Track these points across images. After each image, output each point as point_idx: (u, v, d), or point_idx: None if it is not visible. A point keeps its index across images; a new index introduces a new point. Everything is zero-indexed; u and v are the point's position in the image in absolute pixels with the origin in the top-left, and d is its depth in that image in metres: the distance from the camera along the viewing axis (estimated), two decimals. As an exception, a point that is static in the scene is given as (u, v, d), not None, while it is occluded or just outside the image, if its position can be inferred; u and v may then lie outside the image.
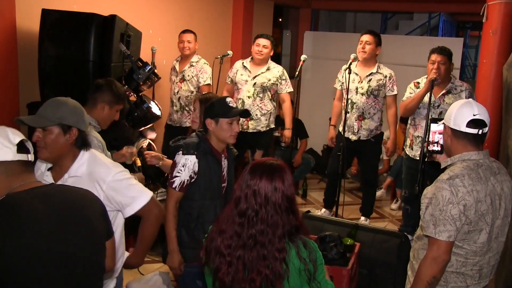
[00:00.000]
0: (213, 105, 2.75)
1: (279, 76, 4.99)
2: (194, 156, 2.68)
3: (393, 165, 6.32)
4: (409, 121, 4.61)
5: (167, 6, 5.56)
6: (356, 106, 4.87)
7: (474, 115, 2.19)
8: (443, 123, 2.34)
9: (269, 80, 4.94)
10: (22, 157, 1.70)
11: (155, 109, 3.95)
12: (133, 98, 3.82)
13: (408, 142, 4.58)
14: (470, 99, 2.31)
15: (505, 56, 4.17)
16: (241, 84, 4.98)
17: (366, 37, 4.83)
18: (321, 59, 7.56)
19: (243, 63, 5.06)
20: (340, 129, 5.01)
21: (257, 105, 4.95)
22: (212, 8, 6.35)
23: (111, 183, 2.23)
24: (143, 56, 4.06)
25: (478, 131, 2.20)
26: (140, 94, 3.92)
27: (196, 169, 2.69)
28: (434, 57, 4.19)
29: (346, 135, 4.92)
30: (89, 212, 1.80)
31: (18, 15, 3.73)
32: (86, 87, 3.19)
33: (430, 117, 4.00)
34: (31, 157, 1.74)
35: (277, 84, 4.98)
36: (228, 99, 2.78)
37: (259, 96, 4.94)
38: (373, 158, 5.18)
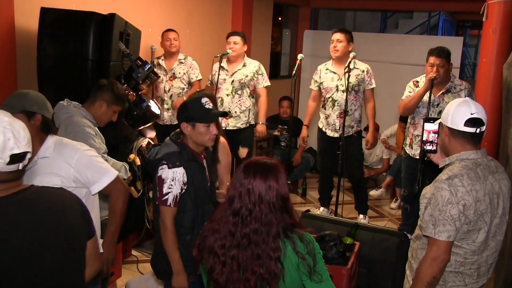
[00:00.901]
0: (187, 107, 2.61)
1: (256, 71, 5.08)
2: (181, 168, 2.54)
3: (393, 164, 6.32)
4: (408, 120, 4.61)
5: (166, 4, 5.55)
6: (338, 103, 4.91)
7: (471, 114, 2.18)
8: (440, 122, 2.33)
9: (246, 76, 5.04)
10: (11, 168, 1.63)
11: (154, 108, 3.95)
12: (132, 97, 3.81)
13: (407, 141, 4.58)
14: (467, 98, 2.30)
15: (505, 55, 4.17)
16: (220, 84, 5.04)
17: (337, 36, 4.87)
18: (321, 58, 7.48)
19: (220, 63, 5.09)
20: (320, 126, 5.09)
21: (236, 102, 5.04)
22: (212, 7, 6.34)
23: (80, 158, 2.33)
24: (142, 55, 4.05)
25: (476, 129, 2.19)
26: (140, 93, 3.92)
27: (185, 179, 2.56)
28: (432, 60, 4.18)
29: (328, 133, 5.03)
30: (69, 216, 1.75)
31: (17, 14, 3.72)
32: (85, 86, 3.20)
33: (429, 116, 4.00)
34: (22, 165, 1.68)
35: (254, 79, 5.07)
36: (204, 100, 2.61)
37: (237, 93, 5.02)
38: (357, 154, 5.21)
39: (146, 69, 3.75)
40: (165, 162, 2.55)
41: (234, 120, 5.05)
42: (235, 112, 5.02)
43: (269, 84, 5.19)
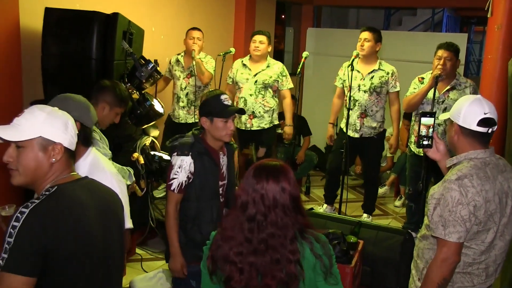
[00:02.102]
0: (207, 103, 2.71)
1: (280, 72, 5.00)
2: (189, 157, 2.66)
3: (397, 162, 6.31)
4: (413, 118, 4.59)
5: (169, 3, 5.55)
6: (359, 103, 4.85)
7: (485, 114, 2.14)
8: (449, 119, 2.30)
9: (270, 77, 4.95)
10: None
11: (157, 106, 3.96)
12: (135, 95, 3.82)
13: (412, 138, 4.56)
14: (479, 96, 2.24)
15: (510, 51, 4.15)
16: (242, 83, 4.98)
17: (364, 34, 4.79)
18: (324, 55, 7.53)
19: (242, 61, 5.06)
20: (342, 126, 5.00)
21: (260, 102, 4.95)
22: (214, 5, 6.34)
23: None
24: (145, 54, 4.05)
25: (488, 130, 2.16)
26: (143, 91, 3.92)
27: (192, 169, 2.67)
28: (440, 52, 4.16)
29: (348, 132, 4.90)
30: (117, 207, 1.94)
31: (22, 14, 3.73)
32: (89, 85, 3.20)
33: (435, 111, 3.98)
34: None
35: (278, 81, 4.99)
36: (223, 96, 2.72)
37: (261, 94, 4.94)
38: (376, 156, 5.15)
39: (149, 68, 3.75)
40: (176, 150, 2.70)
41: (258, 120, 4.99)
42: (259, 112, 4.96)
43: (293, 86, 5.12)
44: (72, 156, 1.81)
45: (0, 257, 1.54)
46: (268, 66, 4.98)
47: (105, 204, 1.85)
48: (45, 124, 1.71)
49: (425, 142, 2.38)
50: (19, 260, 1.53)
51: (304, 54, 4.77)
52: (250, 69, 5.00)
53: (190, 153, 2.67)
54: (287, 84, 5.07)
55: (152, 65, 3.76)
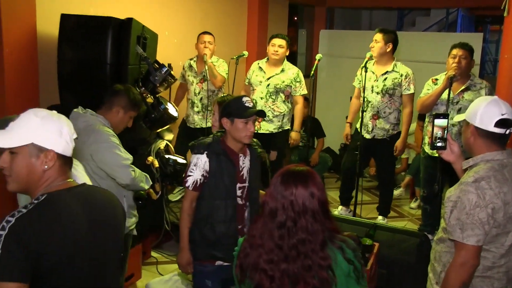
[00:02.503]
0: (229, 104, 2.76)
1: (294, 78, 4.97)
2: (204, 155, 2.72)
3: (412, 163, 6.27)
4: (426, 119, 4.56)
5: (182, 7, 5.58)
6: (371, 104, 4.83)
7: (502, 115, 2.11)
8: (464, 120, 2.26)
9: (283, 82, 4.93)
10: (71, 151, 1.78)
11: (172, 110, 3.97)
12: (150, 99, 3.84)
13: (426, 140, 4.52)
14: (496, 97, 2.21)
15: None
16: (256, 85, 4.99)
17: (375, 36, 4.79)
18: (337, 57, 7.52)
19: (258, 63, 5.07)
20: (358, 126, 4.97)
21: (269, 106, 4.94)
22: (227, 9, 6.35)
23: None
24: (159, 58, 4.08)
25: (506, 131, 2.12)
26: (157, 95, 3.94)
27: (208, 168, 2.72)
28: (455, 51, 4.13)
29: (363, 133, 4.89)
30: (116, 216, 1.90)
31: (38, 20, 3.78)
32: (104, 90, 3.23)
33: (449, 112, 3.95)
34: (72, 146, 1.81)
35: (291, 86, 4.96)
36: (245, 99, 2.75)
37: (271, 98, 4.93)
38: (389, 157, 5.08)
39: (163, 72, 3.77)
40: (193, 148, 2.78)
41: (267, 124, 4.97)
42: (268, 116, 4.93)
43: (306, 92, 5.09)
44: (67, 162, 1.77)
45: None
46: (282, 71, 4.95)
47: (100, 213, 1.81)
48: (38, 130, 1.68)
49: (439, 144, 2.35)
50: (8, 267, 1.51)
51: (318, 56, 4.77)
52: (265, 72, 4.99)
53: (206, 152, 2.72)
54: (300, 90, 5.03)
55: (166, 69, 3.78)
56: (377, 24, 10.04)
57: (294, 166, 1.90)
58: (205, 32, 5.07)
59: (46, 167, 1.70)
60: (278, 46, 4.89)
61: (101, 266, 1.79)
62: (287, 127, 5.13)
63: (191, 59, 5.20)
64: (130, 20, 3.63)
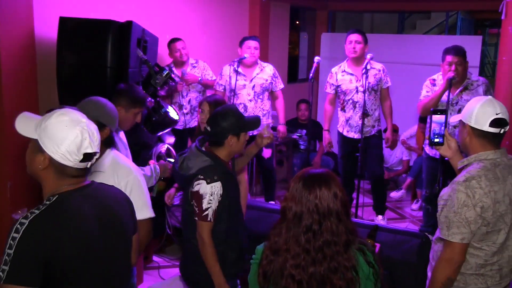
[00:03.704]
0: (237, 120, 2.63)
1: (273, 74, 5.14)
2: (219, 182, 2.54)
3: (413, 165, 6.27)
4: (427, 120, 4.56)
5: (183, 10, 5.60)
6: (359, 104, 4.88)
7: (496, 114, 2.14)
8: (460, 120, 2.29)
9: (266, 80, 5.08)
10: (82, 165, 1.76)
11: (172, 113, 3.97)
12: (150, 103, 3.84)
13: (428, 141, 4.52)
14: (491, 97, 2.25)
15: (525, 52, 4.11)
16: (239, 89, 5.03)
17: (355, 37, 4.85)
18: (339, 60, 7.44)
19: (233, 68, 5.06)
20: (340, 130, 5.04)
21: (259, 107, 5.08)
22: (228, 12, 6.36)
23: (130, 182, 2.39)
24: (160, 61, 4.08)
25: (500, 130, 2.16)
26: (158, 99, 3.95)
27: (221, 192, 2.56)
28: (450, 58, 4.13)
29: (350, 135, 4.99)
30: (122, 213, 1.93)
31: (37, 24, 3.78)
32: (104, 93, 3.22)
33: (449, 114, 3.94)
34: (90, 164, 1.80)
35: (271, 83, 5.11)
36: (238, 108, 2.72)
37: (259, 98, 5.07)
38: (378, 152, 5.18)
39: (164, 75, 3.77)
40: (203, 177, 2.53)
41: None
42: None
43: (283, 86, 5.27)
44: (68, 173, 1.75)
45: (0, 269, 1.55)
46: (261, 70, 5.10)
47: (109, 212, 1.85)
48: (45, 131, 1.71)
49: (437, 140, 2.38)
50: (20, 271, 1.54)
51: (316, 59, 4.81)
52: (245, 75, 5.05)
53: (218, 177, 2.55)
54: (280, 84, 5.20)
55: (167, 72, 3.78)
56: (379, 27, 10.07)
57: (310, 168, 1.91)
58: (174, 40, 5.13)
59: (40, 167, 1.73)
60: (253, 48, 5.00)
61: (112, 265, 1.83)
62: (271, 123, 5.26)
63: (169, 66, 5.20)
64: (130, 23, 3.63)
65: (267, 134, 2.95)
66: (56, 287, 1.63)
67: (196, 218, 2.56)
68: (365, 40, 4.88)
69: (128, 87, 3.11)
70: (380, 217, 5.21)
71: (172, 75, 5.09)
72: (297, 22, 8.45)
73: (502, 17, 4.52)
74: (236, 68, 5.03)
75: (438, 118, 2.37)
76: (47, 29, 3.86)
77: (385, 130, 5.15)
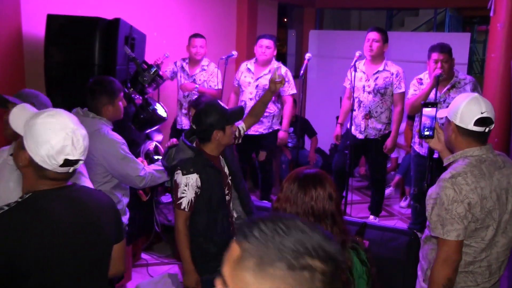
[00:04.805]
0: (220, 115, 2.69)
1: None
2: (194, 174, 2.64)
3: (402, 162, 6.29)
4: (416, 118, 4.57)
5: (170, 8, 5.57)
6: (363, 104, 4.83)
7: (481, 113, 2.13)
8: (446, 117, 2.29)
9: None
10: (61, 170, 1.72)
11: (160, 111, 3.95)
12: (138, 100, 3.82)
13: (416, 139, 4.54)
14: (477, 94, 2.24)
15: (512, 50, 4.14)
16: (244, 86, 4.99)
17: (373, 35, 4.74)
18: (327, 57, 7.52)
19: (247, 64, 5.05)
20: (349, 125, 4.98)
21: None
22: (216, 9, 6.34)
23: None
24: (147, 59, 4.06)
25: (485, 129, 2.16)
26: (146, 96, 3.92)
27: (199, 183, 2.66)
28: (436, 56, 4.13)
29: (355, 133, 4.90)
30: (104, 219, 1.87)
31: (24, 21, 3.75)
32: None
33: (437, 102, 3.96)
34: (72, 169, 1.76)
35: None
36: (221, 102, 2.77)
37: None
38: (381, 157, 5.09)
39: (152, 73, 3.75)
40: (179, 168, 2.65)
41: (257, 125, 4.85)
42: None
43: (295, 91, 5.09)
44: (47, 175, 1.72)
45: None
46: (270, 71, 4.93)
47: (86, 216, 1.80)
48: (30, 130, 1.70)
49: (427, 133, 2.39)
50: None
51: (307, 56, 4.76)
52: (253, 73, 4.99)
53: (194, 170, 2.64)
54: (289, 89, 5.02)
55: (155, 69, 3.76)
56: (367, 24, 10.08)
57: (304, 169, 1.90)
58: (196, 35, 5.07)
59: (21, 164, 1.73)
60: (265, 47, 4.88)
61: (82, 268, 1.77)
62: (277, 127, 5.12)
63: (183, 60, 5.20)
64: (117, 20, 3.61)
65: (278, 78, 2.97)
66: (20, 284, 1.61)
67: (174, 206, 2.71)
68: (384, 38, 4.75)
69: (98, 84, 3.02)
70: (371, 217, 5.21)
71: (181, 74, 5.09)
72: (285, 20, 8.45)
73: (491, 14, 4.54)
74: (248, 65, 5.01)
75: (428, 111, 2.37)
76: (34, 27, 3.82)
77: (389, 134, 4.95)
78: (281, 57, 8.02)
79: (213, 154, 2.75)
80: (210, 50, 5.30)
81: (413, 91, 4.38)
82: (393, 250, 3.51)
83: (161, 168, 3.19)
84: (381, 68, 4.76)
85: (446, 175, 2.15)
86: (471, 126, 2.15)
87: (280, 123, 5.16)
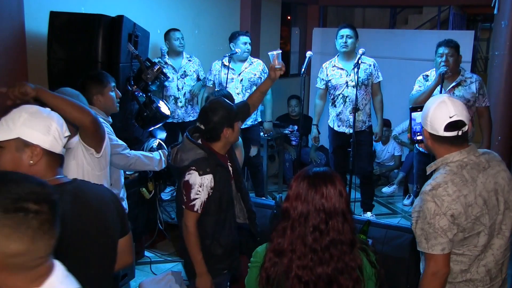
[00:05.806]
0: (229, 112, 2.64)
1: (262, 69, 5.15)
2: (210, 175, 2.54)
3: (405, 160, 6.29)
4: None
5: (174, 5, 5.56)
6: (349, 99, 4.89)
7: (450, 117, 2.03)
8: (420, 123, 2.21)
9: (255, 74, 5.09)
10: (63, 151, 1.76)
11: (164, 108, 3.95)
12: (142, 97, 3.82)
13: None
14: (445, 97, 2.11)
15: (517, 47, 4.12)
16: (227, 83, 5.02)
17: (347, 31, 4.86)
18: (330, 55, 7.45)
19: (221, 63, 5.08)
20: (331, 125, 5.04)
21: None
22: (220, 7, 6.34)
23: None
24: (151, 56, 4.06)
25: (458, 132, 2.05)
26: (149, 93, 3.92)
27: (212, 184, 2.56)
28: (441, 50, 4.14)
29: (341, 129, 4.99)
30: (107, 213, 1.87)
31: (27, 18, 3.74)
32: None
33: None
34: (64, 151, 1.81)
35: (260, 78, 5.08)
36: (226, 100, 2.73)
37: (247, 92, 5.05)
38: (368, 148, 5.21)
39: (155, 70, 3.75)
40: (195, 168, 2.53)
41: None
42: None
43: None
44: (56, 159, 1.76)
45: None
46: (250, 64, 5.12)
47: (89, 211, 1.80)
48: (25, 125, 1.69)
49: (419, 138, 2.30)
50: None
51: (308, 54, 4.77)
52: (233, 69, 5.08)
53: (210, 170, 2.54)
54: None
55: (158, 67, 3.76)
56: (370, 22, 10.07)
57: (312, 167, 1.88)
58: (174, 29, 5.17)
59: (31, 162, 1.69)
60: (248, 43, 5.05)
61: (88, 264, 1.77)
62: (259, 118, 5.31)
63: (163, 57, 5.26)
64: (121, 17, 3.61)
65: (278, 65, 2.94)
66: None
67: (184, 207, 2.58)
68: (356, 34, 4.89)
69: (87, 78, 3.03)
70: (369, 213, 5.21)
71: (166, 67, 5.11)
72: (289, 17, 8.42)
73: (495, 11, 4.52)
74: (224, 62, 5.07)
75: (417, 116, 2.28)
76: (37, 24, 3.82)
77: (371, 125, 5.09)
78: (284, 55, 8.00)
79: (221, 153, 2.69)
80: (213, 48, 5.31)
81: (418, 87, 4.38)
82: (397, 248, 3.50)
83: (151, 155, 3.18)
84: (359, 61, 4.73)
85: (426, 187, 2.07)
86: (442, 132, 2.06)
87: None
